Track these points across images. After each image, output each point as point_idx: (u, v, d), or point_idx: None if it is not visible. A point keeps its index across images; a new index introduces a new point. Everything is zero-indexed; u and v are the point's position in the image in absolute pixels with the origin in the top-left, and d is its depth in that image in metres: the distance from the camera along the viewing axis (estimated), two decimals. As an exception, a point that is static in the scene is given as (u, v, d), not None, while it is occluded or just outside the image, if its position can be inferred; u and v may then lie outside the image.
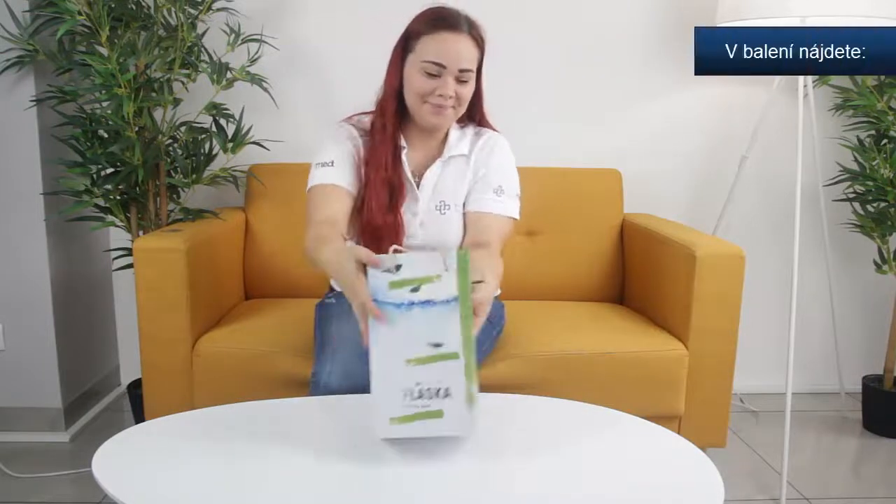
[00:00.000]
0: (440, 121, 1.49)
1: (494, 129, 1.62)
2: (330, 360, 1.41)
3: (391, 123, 1.51)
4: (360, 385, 1.35)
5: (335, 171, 1.48)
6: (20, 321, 2.09)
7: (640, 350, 1.79)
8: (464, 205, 1.57)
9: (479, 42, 1.47)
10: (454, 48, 1.43)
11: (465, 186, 1.57)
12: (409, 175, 1.54)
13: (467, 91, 1.48)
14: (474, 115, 1.60)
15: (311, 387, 1.41)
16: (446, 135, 1.58)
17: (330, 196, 1.46)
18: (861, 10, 1.90)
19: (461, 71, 1.44)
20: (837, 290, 2.47)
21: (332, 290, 1.73)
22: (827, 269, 2.41)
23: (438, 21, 1.45)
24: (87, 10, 1.85)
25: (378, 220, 1.48)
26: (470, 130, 1.60)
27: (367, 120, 1.57)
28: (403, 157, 1.53)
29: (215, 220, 2.03)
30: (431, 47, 1.44)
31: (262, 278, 2.18)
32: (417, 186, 1.55)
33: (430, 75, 1.44)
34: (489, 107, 1.61)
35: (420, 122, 1.51)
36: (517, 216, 1.56)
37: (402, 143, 1.53)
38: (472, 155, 1.57)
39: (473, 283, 1.06)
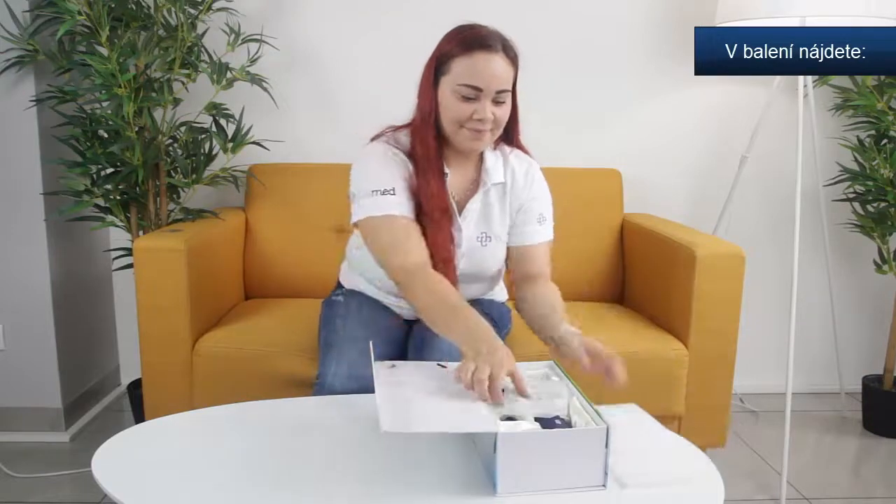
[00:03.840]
0: (479, 145, 1.44)
1: (527, 151, 1.58)
2: (335, 361, 1.41)
3: (433, 150, 1.44)
4: (364, 387, 1.35)
5: (399, 201, 1.41)
6: (20, 321, 2.09)
7: (640, 350, 1.79)
8: (507, 234, 1.55)
9: (514, 60, 1.41)
10: (490, 69, 1.36)
11: (505, 218, 1.54)
12: (453, 203, 1.50)
13: (504, 112, 1.42)
14: (510, 136, 1.54)
15: (316, 388, 1.41)
16: (480, 156, 1.53)
17: (408, 231, 1.40)
18: (861, 10, 1.90)
19: (498, 92, 1.38)
20: (837, 290, 2.47)
21: (340, 286, 1.72)
22: (827, 269, 2.41)
23: (472, 41, 1.37)
24: (87, 10, 1.85)
25: (441, 250, 1.43)
26: (501, 152, 1.55)
27: (404, 139, 1.49)
28: (447, 183, 1.48)
29: (215, 220, 2.03)
30: (466, 69, 1.37)
31: (262, 278, 2.18)
32: (459, 214, 1.51)
33: (467, 99, 1.37)
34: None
35: (458, 147, 1.46)
36: (553, 237, 1.58)
37: (445, 168, 1.48)
38: (508, 182, 1.54)
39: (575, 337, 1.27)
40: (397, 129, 1.51)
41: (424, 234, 1.43)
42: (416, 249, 1.39)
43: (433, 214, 1.43)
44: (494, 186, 1.53)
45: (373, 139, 1.52)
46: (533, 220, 1.54)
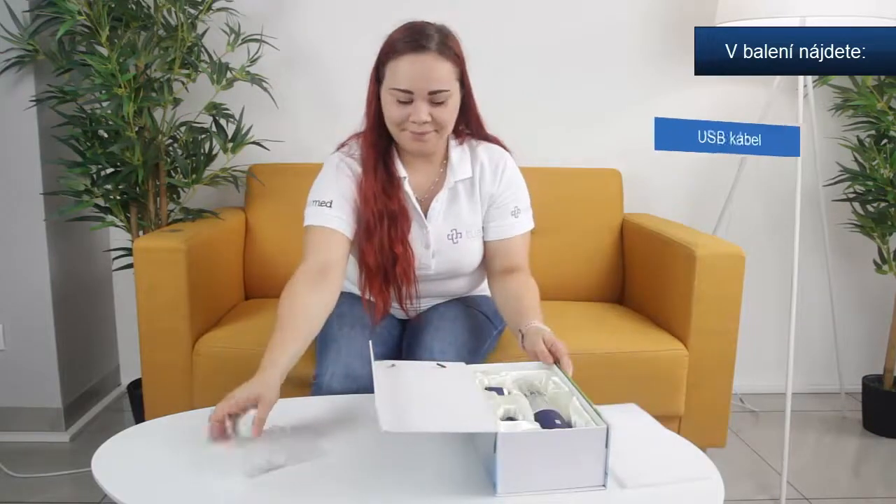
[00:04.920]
0: (423, 146, 1.43)
1: (494, 140, 1.56)
2: (332, 362, 1.41)
3: (380, 154, 1.45)
4: (362, 386, 1.36)
5: (332, 213, 1.42)
6: (20, 321, 2.09)
7: (640, 350, 1.79)
8: (482, 229, 1.54)
9: (452, 57, 1.37)
10: (418, 71, 1.34)
11: (476, 212, 1.53)
12: (416, 203, 1.49)
13: (445, 113, 1.39)
14: (473, 130, 1.53)
15: (314, 389, 1.41)
16: (447, 154, 1.52)
17: (324, 240, 1.41)
18: (861, 10, 1.90)
19: (432, 93, 1.35)
20: (837, 290, 2.47)
21: None
22: (827, 269, 2.41)
23: (401, 43, 1.36)
24: (87, 10, 1.85)
25: (384, 254, 1.44)
26: (468, 146, 1.54)
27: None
28: (406, 186, 1.48)
29: (215, 220, 2.03)
30: (397, 73, 1.35)
31: (262, 278, 2.18)
32: (425, 215, 1.51)
33: (401, 102, 1.36)
34: (489, 110, 1.55)
35: (405, 148, 1.46)
36: (533, 225, 1.56)
37: (402, 172, 1.47)
38: (476, 177, 1.52)
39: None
40: (359, 135, 1.51)
41: (367, 238, 1.44)
42: (316, 255, 1.39)
43: (374, 219, 1.43)
44: (461, 182, 1.52)
45: (339, 147, 1.53)
46: (507, 213, 1.53)
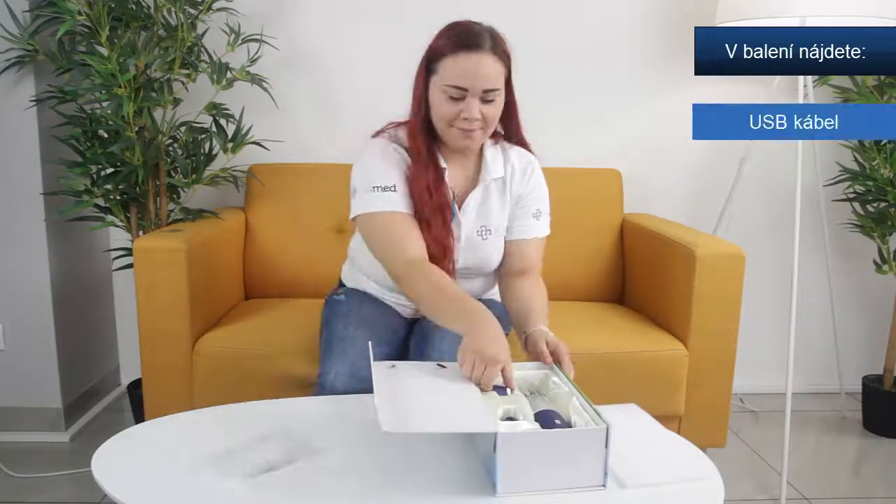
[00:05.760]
0: (470, 143, 1.45)
1: (528, 147, 1.58)
2: (337, 361, 1.41)
3: (426, 147, 1.46)
4: (368, 387, 1.35)
5: (400, 198, 1.42)
6: (20, 321, 2.09)
7: (640, 350, 1.79)
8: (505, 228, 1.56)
9: (504, 57, 1.41)
10: (475, 69, 1.37)
11: (504, 212, 1.55)
12: (452, 197, 1.51)
13: (494, 110, 1.42)
14: (510, 132, 1.55)
15: (318, 388, 1.41)
16: (481, 151, 1.53)
17: (409, 227, 1.42)
18: (861, 10, 1.90)
19: (486, 91, 1.38)
20: (837, 290, 2.47)
21: (341, 284, 1.72)
22: (827, 269, 2.41)
23: (458, 41, 1.38)
24: (87, 10, 1.85)
25: (438, 245, 1.45)
26: (501, 147, 1.56)
27: (402, 136, 1.50)
28: (446, 178, 1.49)
29: (215, 220, 2.03)
30: (452, 70, 1.37)
31: (262, 278, 2.18)
32: (459, 209, 1.52)
33: (454, 99, 1.38)
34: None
35: (450, 145, 1.47)
36: (549, 231, 1.59)
37: (443, 163, 1.49)
38: (507, 177, 1.54)
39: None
40: (399, 125, 1.52)
41: (422, 229, 1.44)
42: (415, 244, 1.41)
43: (428, 210, 1.44)
44: (494, 181, 1.54)
45: (374, 135, 1.53)
46: (528, 214, 1.55)
